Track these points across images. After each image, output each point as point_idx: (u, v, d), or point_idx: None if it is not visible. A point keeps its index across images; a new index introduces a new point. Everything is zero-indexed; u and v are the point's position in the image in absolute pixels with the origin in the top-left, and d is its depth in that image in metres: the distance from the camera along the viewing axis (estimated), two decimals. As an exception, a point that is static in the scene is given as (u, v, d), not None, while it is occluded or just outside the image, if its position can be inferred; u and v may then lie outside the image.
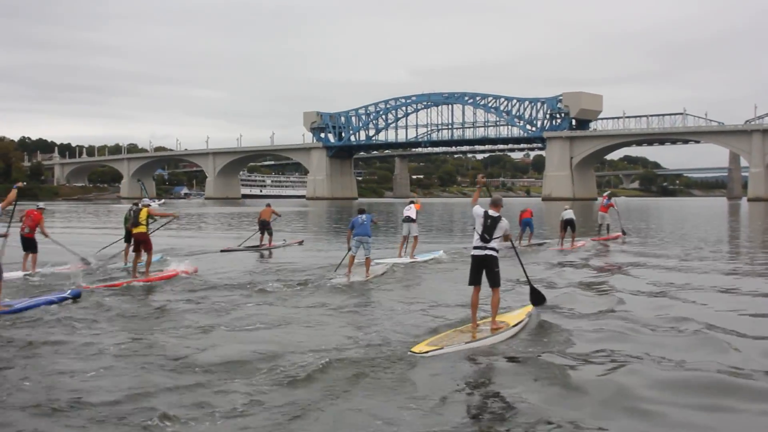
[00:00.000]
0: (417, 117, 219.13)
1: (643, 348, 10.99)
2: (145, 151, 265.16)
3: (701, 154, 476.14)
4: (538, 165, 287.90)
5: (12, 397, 8.61)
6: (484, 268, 12.06)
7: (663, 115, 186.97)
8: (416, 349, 10.58)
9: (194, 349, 11.03)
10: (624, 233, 37.52)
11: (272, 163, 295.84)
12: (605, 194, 39.52)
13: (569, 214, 31.64)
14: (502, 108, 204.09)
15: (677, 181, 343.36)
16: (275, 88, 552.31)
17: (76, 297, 15.21)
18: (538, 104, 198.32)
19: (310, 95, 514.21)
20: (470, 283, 12.23)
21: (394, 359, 10.18)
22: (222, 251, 28.86)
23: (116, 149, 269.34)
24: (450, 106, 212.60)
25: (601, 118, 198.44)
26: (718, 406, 8.24)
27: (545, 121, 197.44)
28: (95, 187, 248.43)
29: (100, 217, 72.57)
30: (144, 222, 19.90)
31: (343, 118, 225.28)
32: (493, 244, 12.00)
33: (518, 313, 12.98)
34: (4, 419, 7.86)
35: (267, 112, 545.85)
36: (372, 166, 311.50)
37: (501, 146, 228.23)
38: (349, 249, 20.90)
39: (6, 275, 15.78)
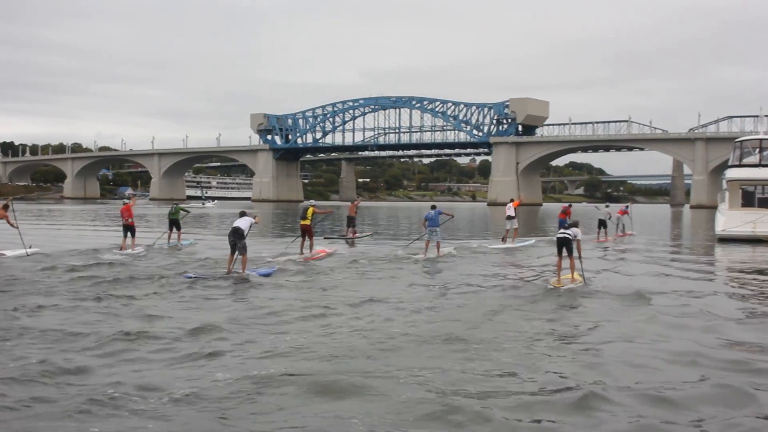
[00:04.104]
0: (364, 120, 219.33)
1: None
2: (90, 150, 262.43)
3: (645, 162, 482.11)
4: (484, 170, 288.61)
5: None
6: (564, 245, 19.42)
7: (608, 122, 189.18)
8: (554, 283, 19.21)
9: (397, 285, 19.45)
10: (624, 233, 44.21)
11: (218, 164, 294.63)
12: (624, 205, 48.43)
13: (602, 215, 40.66)
14: (449, 113, 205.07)
15: (621, 188, 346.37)
16: (224, 88, 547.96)
17: (273, 272, 22.08)
18: (485, 109, 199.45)
19: (260, 96, 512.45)
20: (557, 254, 19.89)
21: (542, 290, 18.57)
22: (325, 238, 36.19)
23: (60, 148, 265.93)
24: (397, 110, 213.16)
25: (548, 124, 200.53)
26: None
27: (492, 127, 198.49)
28: (38, 186, 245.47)
29: (63, 216, 71.63)
30: (310, 217, 27.47)
31: (290, 121, 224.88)
32: (569, 232, 19.48)
33: (579, 275, 19.87)
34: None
35: (215, 113, 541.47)
36: (318, 169, 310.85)
37: (447, 151, 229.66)
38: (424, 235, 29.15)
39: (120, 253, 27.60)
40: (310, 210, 27.68)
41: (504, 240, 34.45)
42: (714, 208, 51.63)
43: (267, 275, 21.30)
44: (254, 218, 23.16)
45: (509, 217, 34.85)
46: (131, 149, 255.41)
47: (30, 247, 26.82)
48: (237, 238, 21.78)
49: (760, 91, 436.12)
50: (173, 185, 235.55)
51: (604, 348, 11.71)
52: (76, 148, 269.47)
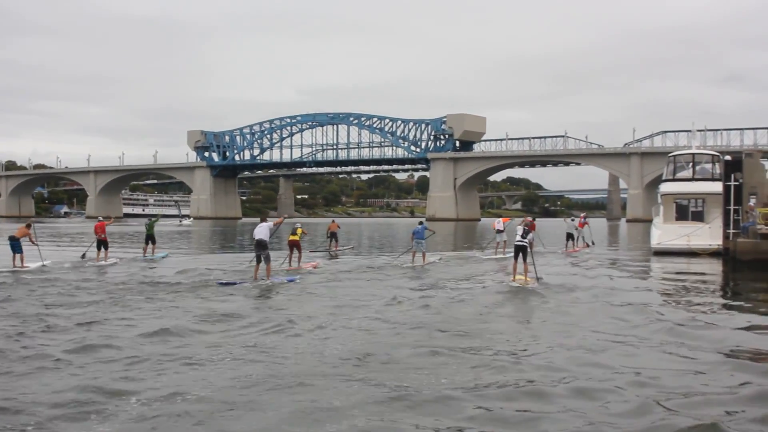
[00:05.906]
0: (302, 137, 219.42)
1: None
2: (24, 168, 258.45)
3: (582, 176, 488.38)
4: (423, 186, 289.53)
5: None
6: (521, 251, 23.50)
7: (545, 137, 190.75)
8: (515, 281, 23.11)
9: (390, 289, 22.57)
10: (591, 244, 47.83)
11: (155, 182, 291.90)
12: (582, 215, 52.05)
13: (570, 228, 44.47)
14: (387, 129, 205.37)
15: (558, 203, 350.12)
16: (161, 105, 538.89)
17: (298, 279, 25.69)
18: (423, 125, 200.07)
19: (199, 113, 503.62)
20: (514, 258, 23.96)
21: (505, 287, 22.73)
22: (311, 252, 40.47)
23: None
24: (335, 126, 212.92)
25: (485, 140, 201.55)
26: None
27: (429, 142, 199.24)
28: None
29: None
30: (298, 234, 31.22)
31: (227, 138, 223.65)
32: (525, 240, 23.45)
33: (532, 278, 23.54)
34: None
35: (152, 130, 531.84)
36: (256, 186, 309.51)
37: (385, 167, 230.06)
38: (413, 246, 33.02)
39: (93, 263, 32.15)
40: (300, 230, 31.68)
41: (495, 251, 38.93)
42: (649, 221, 52.34)
43: (292, 281, 24.76)
44: (273, 222, 27.14)
45: (498, 231, 39.27)
46: (66, 167, 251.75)
47: (45, 260, 31.28)
48: (261, 250, 25.18)
49: (693, 106, 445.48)
50: (110, 203, 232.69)
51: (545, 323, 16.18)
52: (11, 166, 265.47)
